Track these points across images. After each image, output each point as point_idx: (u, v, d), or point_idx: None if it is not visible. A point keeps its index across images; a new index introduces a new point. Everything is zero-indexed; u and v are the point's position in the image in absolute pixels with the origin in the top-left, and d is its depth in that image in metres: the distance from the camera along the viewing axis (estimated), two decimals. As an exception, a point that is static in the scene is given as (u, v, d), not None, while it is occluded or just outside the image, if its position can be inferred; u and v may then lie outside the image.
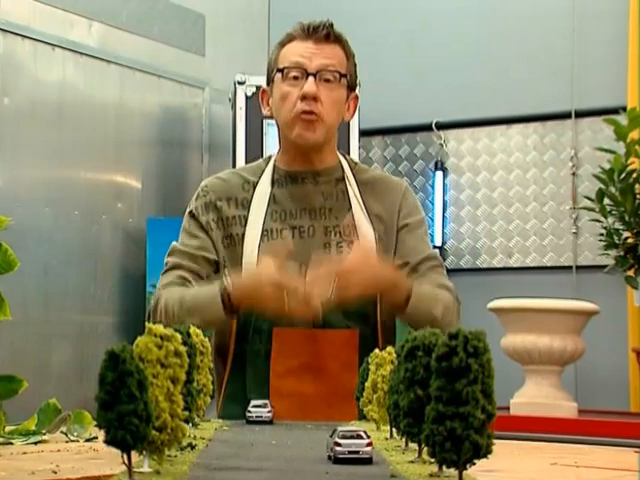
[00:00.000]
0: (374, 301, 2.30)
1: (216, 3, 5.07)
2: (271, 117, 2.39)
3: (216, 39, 5.02)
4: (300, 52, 2.30)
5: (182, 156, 4.90)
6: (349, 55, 2.36)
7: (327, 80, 2.29)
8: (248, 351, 2.29)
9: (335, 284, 2.08)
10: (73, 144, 4.26)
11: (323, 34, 2.30)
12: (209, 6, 5.01)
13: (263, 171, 2.39)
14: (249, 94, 4.28)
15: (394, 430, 1.42)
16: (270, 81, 2.36)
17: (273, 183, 2.36)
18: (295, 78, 2.29)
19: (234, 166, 4.32)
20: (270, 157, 2.43)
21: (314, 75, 2.28)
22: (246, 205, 2.34)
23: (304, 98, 2.26)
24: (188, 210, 2.40)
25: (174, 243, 2.38)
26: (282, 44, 2.35)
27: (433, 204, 4.87)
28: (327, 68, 2.29)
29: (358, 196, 2.36)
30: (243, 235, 2.31)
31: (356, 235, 2.31)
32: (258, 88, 3.87)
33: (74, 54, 4.28)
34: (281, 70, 2.30)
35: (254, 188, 2.36)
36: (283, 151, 2.39)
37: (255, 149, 4.19)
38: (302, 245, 2.29)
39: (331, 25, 2.32)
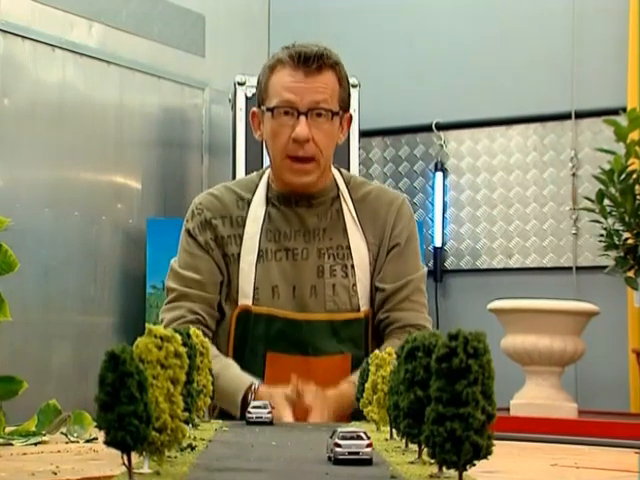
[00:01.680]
0: (366, 323, 2.30)
1: (216, 3, 5.07)
2: (262, 141, 2.34)
3: (216, 40, 5.02)
4: (290, 87, 2.21)
5: (182, 157, 4.90)
6: (342, 80, 2.27)
7: (319, 114, 2.23)
8: (245, 368, 2.25)
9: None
10: (73, 145, 4.26)
11: (314, 67, 2.21)
12: (209, 7, 5.01)
13: (257, 186, 2.36)
14: (249, 95, 4.27)
15: (394, 431, 1.42)
16: (260, 105, 2.30)
17: (267, 201, 2.33)
18: (286, 113, 2.22)
19: (234, 167, 4.33)
20: (264, 172, 2.40)
21: (305, 114, 2.21)
22: (241, 223, 2.32)
23: (295, 141, 2.21)
24: (185, 229, 2.36)
25: (174, 264, 2.34)
26: (271, 68, 2.26)
27: (433, 205, 4.87)
28: (319, 105, 2.22)
29: (354, 214, 2.33)
30: (239, 254, 2.30)
31: (350, 257, 2.30)
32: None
33: (74, 55, 4.28)
34: (271, 110, 2.23)
35: (248, 206, 2.33)
36: (275, 174, 2.34)
37: (255, 150, 4.18)
38: (295, 268, 2.28)
39: (322, 56, 2.22)
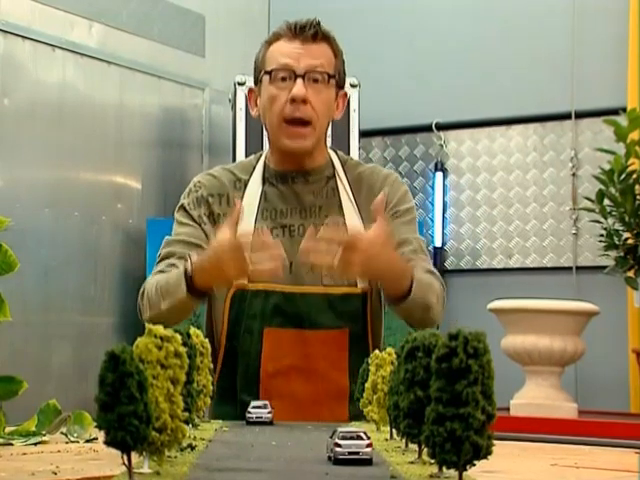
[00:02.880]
0: (364, 299, 2.30)
1: (216, 4, 5.07)
2: (259, 118, 2.36)
3: (216, 40, 5.02)
4: (287, 53, 2.26)
5: (182, 157, 4.90)
6: (337, 53, 2.32)
7: (316, 80, 2.26)
8: (239, 350, 2.29)
9: (340, 254, 2.00)
10: (73, 145, 4.26)
11: (310, 34, 2.26)
12: (209, 7, 5.01)
13: (254, 168, 2.38)
14: (249, 95, 4.27)
15: (394, 431, 1.42)
16: (257, 81, 2.34)
17: (264, 181, 2.35)
18: (283, 79, 2.26)
19: (234, 167, 4.32)
20: (261, 154, 2.42)
21: (302, 76, 2.24)
22: None
23: (293, 101, 2.24)
24: (180, 204, 2.39)
25: (167, 237, 2.36)
26: (269, 43, 2.31)
27: (433, 205, 4.87)
28: (315, 69, 2.26)
29: (349, 192, 2.35)
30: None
31: (345, 234, 2.29)
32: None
33: (74, 55, 4.28)
34: (269, 72, 2.27)
35: (245, 186, 2.35)
36: (272, 151, 2.37)
37: (255, 150, 4.15)
38: (292, 244, 2.28)
39: (318, 24, 2.28)
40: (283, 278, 2.23)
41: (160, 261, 2.30)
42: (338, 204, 2.33)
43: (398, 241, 2.29)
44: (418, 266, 2.24)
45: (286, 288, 2.27)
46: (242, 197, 2.33)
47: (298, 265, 2.27)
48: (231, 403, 2.25)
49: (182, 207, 2.38)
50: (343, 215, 2.32)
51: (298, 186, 2.34)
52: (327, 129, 2.36)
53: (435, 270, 2.31)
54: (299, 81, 2.24)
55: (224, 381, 2.30)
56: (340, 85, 2.34)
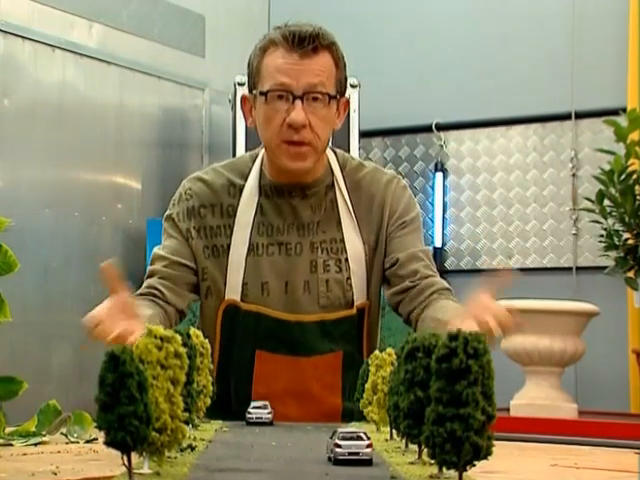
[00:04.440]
0: (360, 317, 2.24)
1: (216, 4, 5.07)
2: (255, 128, 2.22)
3: (216, 40, 5.02)
4: (285, 69, 2.10)
5: (182, 157, 4.90)
6: (338, 61, 2.15)
7: (315, 99, 2.11)
8: (233, 366, 2.23)
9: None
10: (73, 145, 4.26)
11: (310, 48, 2.09)
12: (209, 7, 5.01)
13: (250, 171, 2.27)
14: (249, 95, 4.27)
15: (394, 431, 1.42)
16: (251, 91, 2.20)
17: (260, 190, 2.24)
18: (280, 97, 2.10)
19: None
20: (257, 155, 2.29)
21: (301, 98, 2.09)
22: (232, 213, 2.23)
23: (291, 126, 2.09)
24: (167, 213, 2.31)
25: (155, 248, 2.30)
26: (263, 50, 2.16)
27: (433, 205, 4.87)
28: (315, 89, 2.10)
29: (349, 204, 2.24)
30: (229, 246, 2.22)
31: (344, 252, 2.22)
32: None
33: (74, 55, 4.28)
34: (264, 93, 2.12)
35: (240, 193, 2.25)
36: (269, 161, 2.23)
37: (255, 150, 4.18)
38: (289, 263, 2.21)
39: (317, 35, 2.10)
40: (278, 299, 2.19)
41: (146, 278, 2.26)
42: (337, 219, 2.23)
43: (408, 255, 2.22)
44: (438, 283, 2.19)
45: (279, 314, 2.19)
46: (237, 205, 2.24)
47: (294, 285, 2.21)
48: (226, 414, 2.19)
49: (170, 217, 2.30)
50: (341, 231, 2.23)
51: (295, 200, 2.23)
52: (328, 142, 2.23)
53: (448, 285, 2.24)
54: (298, 105, 2.09)
55: (219, 392, 2.26)
56: (342, 94, 2.20)
